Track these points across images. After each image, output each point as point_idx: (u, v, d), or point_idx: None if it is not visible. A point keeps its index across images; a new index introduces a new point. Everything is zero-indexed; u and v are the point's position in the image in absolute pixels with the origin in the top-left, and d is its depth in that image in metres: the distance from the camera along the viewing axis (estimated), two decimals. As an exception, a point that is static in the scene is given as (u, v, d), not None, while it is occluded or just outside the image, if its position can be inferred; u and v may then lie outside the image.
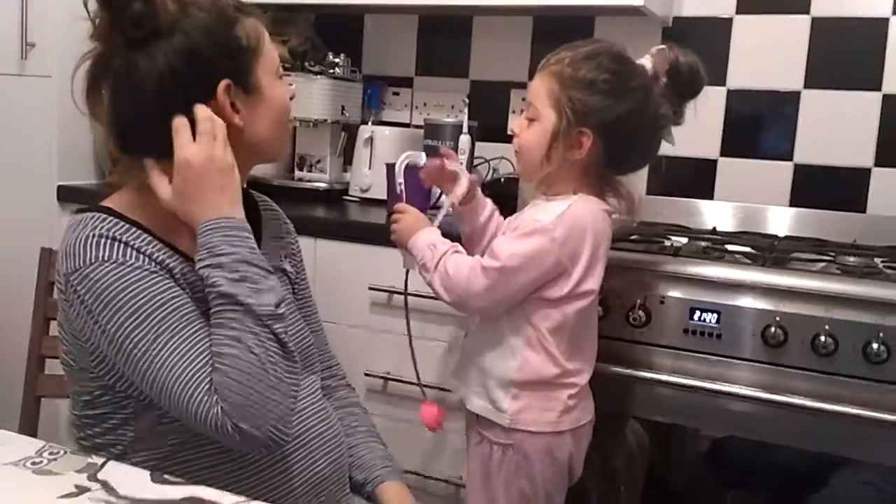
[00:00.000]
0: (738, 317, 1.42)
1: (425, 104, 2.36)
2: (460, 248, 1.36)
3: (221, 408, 0.96)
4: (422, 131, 2.13)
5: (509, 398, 1.32)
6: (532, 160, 1.34)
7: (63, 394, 1.75)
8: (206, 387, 0.97)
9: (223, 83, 1.06)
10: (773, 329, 1.39)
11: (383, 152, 2.09)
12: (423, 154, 1.51)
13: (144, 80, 1.02)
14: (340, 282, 1.79)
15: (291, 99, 1.17)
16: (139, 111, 1.04)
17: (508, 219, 1.43)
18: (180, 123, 1.03)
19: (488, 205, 1.46)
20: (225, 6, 1.07)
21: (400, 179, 1.49)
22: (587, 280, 1.29)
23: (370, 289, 1.75)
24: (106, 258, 1.00)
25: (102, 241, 1.01)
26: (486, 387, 1.34)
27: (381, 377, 1.77)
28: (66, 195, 2.05)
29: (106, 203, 1.09)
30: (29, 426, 1.55)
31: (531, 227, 1.28)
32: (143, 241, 1.04)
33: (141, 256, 1.02)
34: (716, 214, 2.00)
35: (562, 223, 1.27)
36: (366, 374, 1.77)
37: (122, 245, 1.01)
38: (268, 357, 0.99)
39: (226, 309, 0.99)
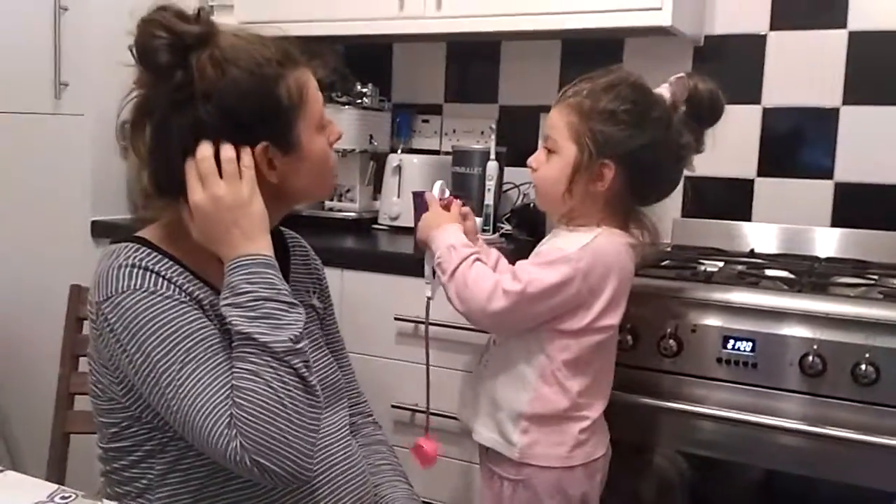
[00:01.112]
0: (775, 345, 1.37)
1: (454, 131, 2.34)
2: (482, 255, 1.32)
3: (240, 442, 0.95)
4: (450, 158, 2.12)
5: (519, 431, 1.29)
6: (553, 195, 1.31)
7: (91, 430, 1.77)
8: (227, 420, 0.97)
9: (260, 146, 1.06)
10: (811, 358, 1.33)
11: (412, 180, 2.09)
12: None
13: (182, 136, 1.04)
14: (367, 312, 1.77)
15: (338, 139, 1.17)
16: (174, 163, 1.05)
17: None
18: (189, 167, 1.04)
19: (493, 253, 1.42)
20: (267, 63, 1.06)
21: (436, 197, 1.43)
22: (607, 315, 1.27)
23: (396, 319, 1.73)
24: (137, 287, 1.02)
25: (135, 270, 1.03)
26: (496, 419, 1.32)
27: (409, 409, 1.74)
28: (100, 231, 2.08)
29: (140, 234, 1.11)
30: (57, 463, 1.56)
31: (555, 256, 1.26)
32: (174, 272, 1.05)
33: (172, 287, 1.03)
34: (755, 236, 1.94)
35: (586, 255, 1.24)
36: (392, 406, 1.75)
37: (153, 275, 1.03)
38: (286, 392, 0.98)
39: (244, 346, 1.00)
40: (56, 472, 1.55)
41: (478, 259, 1.29)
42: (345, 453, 1.18)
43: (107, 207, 2.10)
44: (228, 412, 0.97)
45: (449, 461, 1.71)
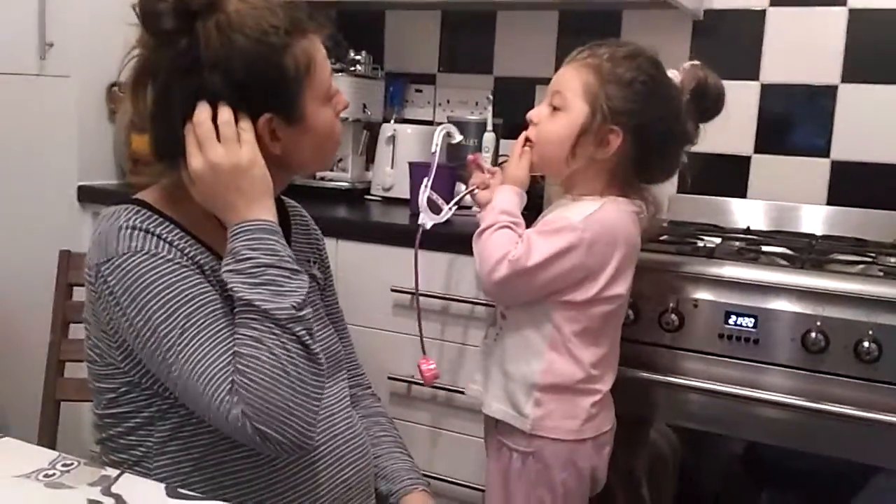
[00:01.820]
0: (777, 321, 1.37)
1: (448, 101, 2.32)
2: (520, 224, 1.29)
3: (242, 410, 0.94)
4: (445, 129, 2.10)
5: (532, 403, 1.28)
6: (554, 154, 1.29)
7: (83, 398, 1.74)
8: (229, 386, 0.95)
9: (264, 117, 1.04)
10: (813, 334, 1.33)
11: (406, 151, 2.06)
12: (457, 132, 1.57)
13: (184, 103, 1.01)
14: (362, 283, 1.75)
15: (345, 108, 1.14)
16: (176, 128, 1.03)
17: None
18: (188, 131, 1.01)
19: None
20: (274, 31, 1.02)
21: (435, 149, 1.50)
22: (615, 285, 1.25)
23: (392, 290, 1.71)
24: (138, 249, 0.99)
25: (135, 232, 1.00)
26: (508, 391, 1.31)
27: (405, 381, 1.73)
28: (87, 196, 2.03)
29: (140, 196, 1.08)
30: (48, 431, 1.53)
31: (559, 224, 1.25)
32: (175, 234, 1.03)
33: (173, 250, 1.01)
34: (748, 213, 1.94)
35: (591, 224, 1.23)
36: (389, 378, 1.73)
37: (154, 237, 1.01)
38: (289, 359, 0.97)
39: (246, 313, 0.98)
40: (47, 440, 1.52)
41: (508, 227, 1.27)
42: (346, 424, 1.17)
43: (93, 172, 2.06)
44: (230, 378, 0.95)
45: (449, 434, 1.70)
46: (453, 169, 1.87)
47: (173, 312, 0.97)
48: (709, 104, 1.33)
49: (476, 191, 1.39)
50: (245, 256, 0.99)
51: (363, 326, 1.73)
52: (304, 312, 1.00)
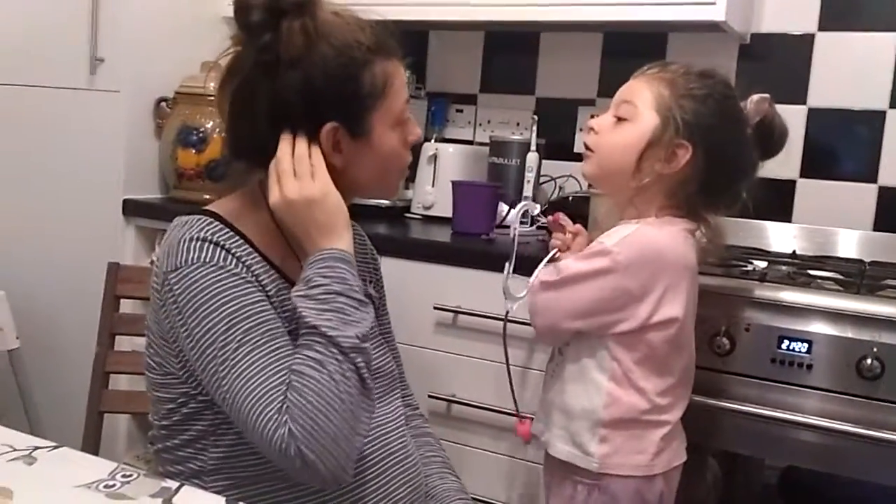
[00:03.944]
0: (832, 347, 1.35)
1: (489, 121, 2.32)
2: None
3: (290, 429, 0.93)
4: (485, 149, 2.10)
5: (597, 441, 1.23)
6: (617, 165, 1.24)
7: (126, 409, 1.75)
8: (278, 406, 0.95)
9: (329, 126, 1.05)
10: (869, 360, 1.31)
11: (447, 170, 2.06)
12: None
13: (258, 100, 1.04)
14: (404, 301, 1.74)
15: (417, 140, 1.15)
16: (248, 126, 1.06)
17: None
18: (270, 167, 1.05)
19: None
20: (358, 46, 1.05)
21: (513, 234, 1.40)
22: (665, 307, 1.20)
23: (435, 308, 1.71)
24: (207, 260, 1.01)
25: (205, 245, 1.02)
26: (571, 430, 1.26)
27: (446, 399, 1.72)
28: (131, 209, 2.05)
29: (213, 208, 1.09)
30: (92, 442, 1.54)
31: (594, 249, 1.23)
32: (243, 250, 1.04)
33: (240, 265, 1.02)
34: (791, 237, 1.91)
35: (626, 247, 1.19)
36: (429, 396, 1.72)
37: (223, 251, 1.02)
38: (346, 388, 0.97)
39: (311, 336, 0.98)
40: (90, 451, 1.52)
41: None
42: (401, 443, 1.17)
43: (139, 186, 2.07)
44: (280, 398, 0.95)
45: (498, 457, 1.68)
46: (495, 188, 1.88)
47: (232, 326, 0.98)
48: (773, 142, 1.29)
49: (558, 253, 1.35)
50: (316, 283, 1.00)
51: (404, 344, 1.71)
52: (366, 345, 1.00)
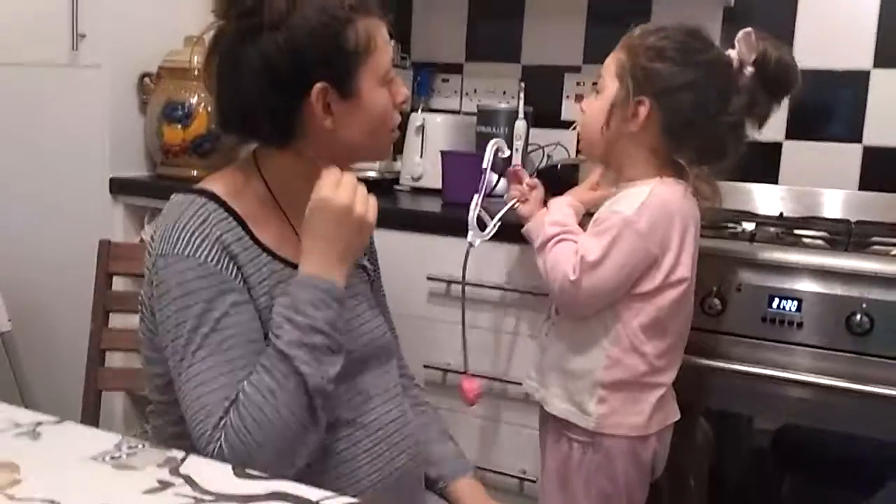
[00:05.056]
0: (821, 304, 1.37)
1: (475, 91, 2.31)
2: (572, 232, 1.29)
3: (220, 446, 0.95)
4: (473, 118, 2.09)
5: (595, 400, 1.26)
6: (590, 133, 1.30)
7: (123, 387, 1.75)
8: (215, 422, 0.96)
9: (318, 86, 1.04)
10: (858, 317, 1.33)
11: (435, 140, 2.05)
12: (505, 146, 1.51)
13: (244, 68, 1.03)
14: (397, 272, 1.74)
15: (403, 102, 1.14)
16: (236, 95, 1.06)
17: None
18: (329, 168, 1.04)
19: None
20: (339, 4, 1.04)
21: (486, 165, 1.44)
22: (678, 268, 1.23)
23: (429, 279, 1.71)
24: (192, 254, 1.01)
25: (195, 237, 1.01)
26: (569, 389, 1.29)
27: (441, 369, 1.73)
28: (118, 187, 2.03)
29: (209, 185, 1.08)
30: (90, 420, 1.54)
31: (611, 221, 1.23)
32: (234, 236, 1.04)
33: (226, 258, 1.02)
34: (778, 199, 1.93)
35: (645, 212, 1.21)
36: (425, 366, 1.73)
37: (211, 245, 1.01)
38: (293, 422, 0.97)
39: (277, 361, 0.98)
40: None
41: (562, 240, 1.27)
42: (399, 411, 1.18)
43: (125, 163, 2.05)
44: (220, 414, 0.96)
45: (494, 424, 1.70)
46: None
47: (200, 325, 0.99)
48: (769, 80, 1.26)
49: (517, 204, 1.39)
50: (304, 312, 0.99)
51: (399, 315, 1.72)
52: (331, 387, 1.00)
